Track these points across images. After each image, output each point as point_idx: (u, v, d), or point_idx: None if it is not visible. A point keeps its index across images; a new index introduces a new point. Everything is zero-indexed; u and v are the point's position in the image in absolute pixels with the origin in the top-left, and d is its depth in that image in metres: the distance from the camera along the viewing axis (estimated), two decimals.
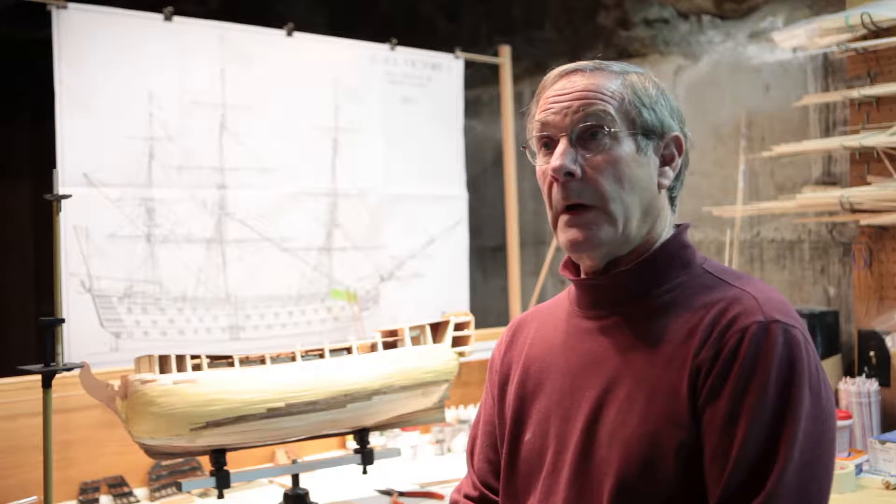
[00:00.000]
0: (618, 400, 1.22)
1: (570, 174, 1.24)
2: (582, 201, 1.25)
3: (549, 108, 1.28)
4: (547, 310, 1.45)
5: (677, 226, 1.33)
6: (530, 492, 1.31)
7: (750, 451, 1.11)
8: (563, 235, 1.27)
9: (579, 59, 1.37)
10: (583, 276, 1.34)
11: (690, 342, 1.19)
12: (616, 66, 1.31)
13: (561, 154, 1.25)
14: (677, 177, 1.32)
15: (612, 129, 1.25)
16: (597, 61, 1.32)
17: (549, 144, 1.29)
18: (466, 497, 1.45)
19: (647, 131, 1.28)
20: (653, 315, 1.25)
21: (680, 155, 1.32)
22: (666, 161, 1.31)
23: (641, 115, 1.27)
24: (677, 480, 1.15)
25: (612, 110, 1.25)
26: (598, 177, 1.24)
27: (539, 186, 1.32)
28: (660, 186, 1.30)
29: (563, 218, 1.27)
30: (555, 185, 1.26)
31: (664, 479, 1.15)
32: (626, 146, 1.26)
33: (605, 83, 1.27)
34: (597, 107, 1.25)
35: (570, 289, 1.39)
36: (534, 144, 1.32)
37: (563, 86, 1.29)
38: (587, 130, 1.25)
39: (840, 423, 2.21)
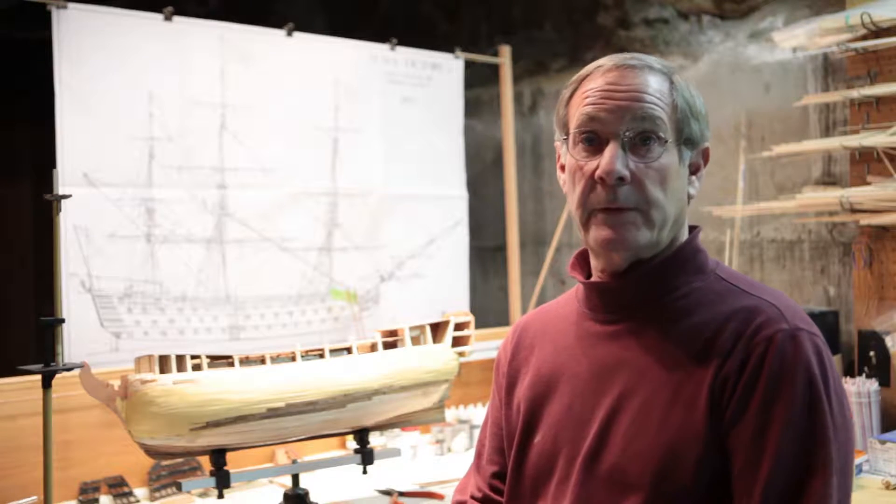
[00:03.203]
0: (633, 408, 1.20)
1: (620, 178, 1.20)
2: (626, 205, 1.21)
3: (601, 104, 1.23)
4: (553, 311, 1.43)
5: (690, 228, 1.32)
6: (538, 496, 1.30)
7: (783, 464, 1.09)
8: (598, 233, 1.23)
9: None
10: (594, 277, 1.32)
11: (710, 352, 1.17)
12: (656, 62, 1.27)
13: (613, 157, 1.20)
14: None
15: (665, 138, 1.22)
16: (636, 55, 1.28)
17: (592, 140, 1.24)
18: (472, 497, 1.44)
19: (688, 141, 1.26)
20: (668, 322, 1.23)
21: (705, 165, 1.31)
22: (693, 171, 1.30)
23: (689, 126, 1.25)
24: (699, 494, 1.14)
25: (665, 117, 1.23)
26: (645, 182, 1.21)
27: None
28: (689, 197, 1.29)
29: (600, 216, 1.23)
30: (597, 185, 1.22)
31: (685, 492, 1.14)
32: (673, 156, 1.24)
33: (658, 86, 1.24)
34: (653, 112, 1.22)
35: (577, 289, 1.37)
36: (572, 136, 1.26)
37: (617, 80, 1.24)
38: (640, 136, 1.22)
39: None
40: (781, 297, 1.22)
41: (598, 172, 1.21)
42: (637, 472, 1.16)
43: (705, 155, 1.32)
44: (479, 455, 1.48)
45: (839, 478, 1.10)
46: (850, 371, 2.56)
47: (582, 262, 1.36)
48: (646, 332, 1.24)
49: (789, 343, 1.14)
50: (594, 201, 1.23)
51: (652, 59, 1.28)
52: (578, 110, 1.26)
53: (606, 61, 1.28)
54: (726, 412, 1.14)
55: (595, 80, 1.26)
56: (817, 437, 1.10)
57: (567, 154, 1.29)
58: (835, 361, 1.19)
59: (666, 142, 1.23)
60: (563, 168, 1.32)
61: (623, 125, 1.22)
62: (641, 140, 1.22)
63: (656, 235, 1.24)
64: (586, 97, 1.25)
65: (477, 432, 2.66)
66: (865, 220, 2.44)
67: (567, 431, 1.27)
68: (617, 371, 1.24)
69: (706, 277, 1.27)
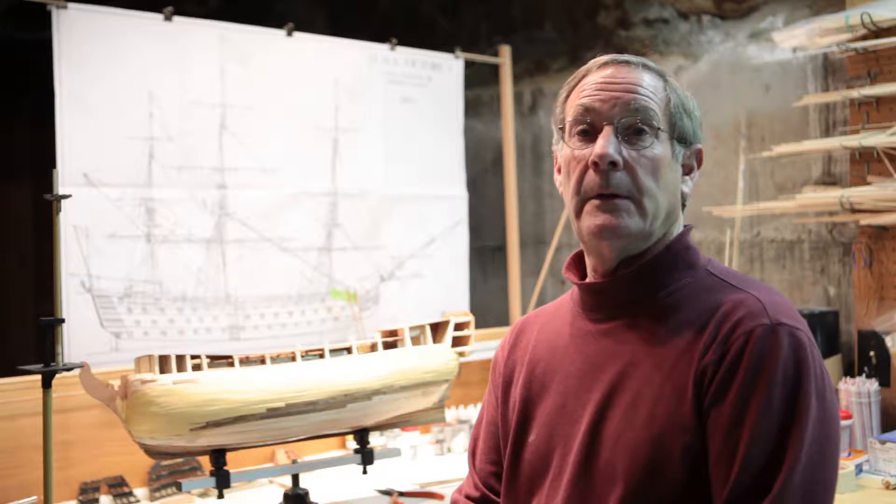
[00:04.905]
0: (623, 403, 1.21)
1: (613, 163, 1.23)
2: (619, 192, 1.24)
3: (596, 95, 1.26)
4: (550, 312, 1.45)
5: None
6: (533, 493, 1.31)
7: (756, 454, 1.11)
8: (592, 220, 1.25)
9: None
10: (588, 278, 1.34)
11: (696, 345, 1.18)
12: (651, 63, 1.32)
13: (606, 142, 1.23)
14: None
15: (658, 129, 1.25)
16: (640, 57, 1.32)
17: (587, 131, 1.27)
18: (468, 497, 1.44)
19: (681, 138, 1.29)
20: (657, 318, 1.25)
21: (699, 167, 1.34)
22: (686, 171, 1.32)
23: (682, 121, 1.29)
24: (684, 484, 1.15)
25: (658, 110, 1.26)
26: (637, 169, 1.24)
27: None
28: (683, 196, 1.32)
29: (594, 202, 1.25)
30: (590, 171, 1.25)
31: (671, 483, 1.15)
32: (666, 148, 1.27)
33: (653, 82, 1.28)
34: (647, 104, 1.25)
35: (573, 290, 1.39)
36: (567, 127, 1.30)
37: (613, 74, 1.28)
38: (633, 125, 1.25)
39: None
40: (768, 292, 1.22)
41: (591, 157, 1.24)
42: (626, 465, 1.18)
43: (699, 157, 1.34)
44: (472, 454, 1.49)
45: (811, 472, 1.10)
46: (850, 371, 2.56)
47: (577, 263, 1.38)
48: (636, 328, 1.26)
49: (768, 337, 1.14)
50: (588, 187, 1.25)
51: (648, 60, 1.32)
52: (574, 103, 1.29)
53: (603, 58, 1.31)
54: (704, 402, 1.16)
55: (591, 75, 1.30)
56: (791, 430, 1.11)
57: (562, 147, 1.31)
58: (821, 356, 1.18)
59: (658, 130, 1.25)
60: (559, 170, 1.34)
61: (616, 115, 1.25)
62: (635, 131, 1.25)
63: (648, 226, 1.26)
64: (582, 91, 1.29)
65: None
66: (865, 220, 2.44)
67: (560, 429, 1.29)
68: (607, 367, 1.26)
69: (697, 273, 1.28)
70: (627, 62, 1.29)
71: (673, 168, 1.28)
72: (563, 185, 1.32)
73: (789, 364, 1.13)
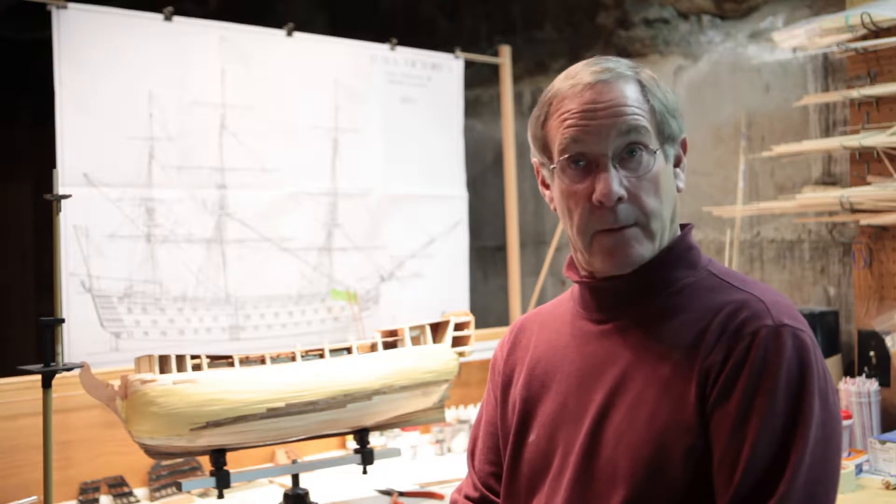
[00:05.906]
0: (625, 403, 1.21)
1: (619, 199, 1.21)
2: (627, 223, 1.22)
3: (583, 126, 1.22)
4: (550, 311, 1.44)
5: (682, 226, 1.33)
6: (534, 493, 1.31)
7: (760, 456, 1.11)
8: (603, 258, 1.24)
9: (579, 60, 1.33)
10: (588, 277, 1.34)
11: (698, 346, 1.18)
12: (622, 65, 1.27)
13: (609, 180, 1.21)
14: None
15: (653, 149, 1.24)
16: (603, 64, 1.26)
17: (580, 161, 1.24)
18: (467, 497, 1.44)
19: (669, 139, 1.28)
20: (659, 318, 1.24)
21: (685, 154, 1.33)
22: (676, 163, 1.31)
23: (669, 125, 1.27)
24: (686, 485, 1.15)
25: (647, 125, 1.24)
26: (641, 195, 1.22)
27: (538, 190, 1.30)
28: (678, 191, 1.31)
29: (602, 237, 1.23)
30: (594, 208, 1.22)
31: (673, 484, 1.15)
32: (661, 160, 1.25)
33: (634, 95, 1.24)
34: (637, 122, 1.22)
35: (573, 289, 1.38)
36: (558, 160, 1.26)
37: (593, 98, 1.23)
38: (627, 146, 1.22)
39: None
40: (770, 293, 1.22)
41: (596, 196, 1.22)
42: (628, 465, 1.18)
43: (684, 145, 1.33)
44: (471, 454, 1.49)
45: (814, 474, 1.10)
46: (850, 371, 2.56)
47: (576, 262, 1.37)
48: (638, 328, 1.25)
49: (772, 338, 1.14)
50: (595, 224, 1.23)
51: (620, 66, 1.26)
52: (559, 133, 1.25)
53: (578, 79, 1.25)
54: (708, 403, 1.15)
55: (571, 101, 1.24)
56: (795, 432, 1.11)
57: (556, 179, 1.28)
58: (823, 357, 1.19)
59: (654, 152, 1.24)
60: (546, 185, 1.33)
61: (610, 143, 1.22)
62: (629, 152, 1.23)
63: (657, 245, 1.26)
64: (565, 120, 1.24)
65: None
66: (865, 220, 2.44)
67: (562, 428, 1.28)
68: (609, 367, 1.25)
69: (698, 273, 1.28)
70: (605, 80, 1.23)
71: (669, 174, 1.28)
72: (563, 214, 1.29)
73: (793, 366, 1.13)
